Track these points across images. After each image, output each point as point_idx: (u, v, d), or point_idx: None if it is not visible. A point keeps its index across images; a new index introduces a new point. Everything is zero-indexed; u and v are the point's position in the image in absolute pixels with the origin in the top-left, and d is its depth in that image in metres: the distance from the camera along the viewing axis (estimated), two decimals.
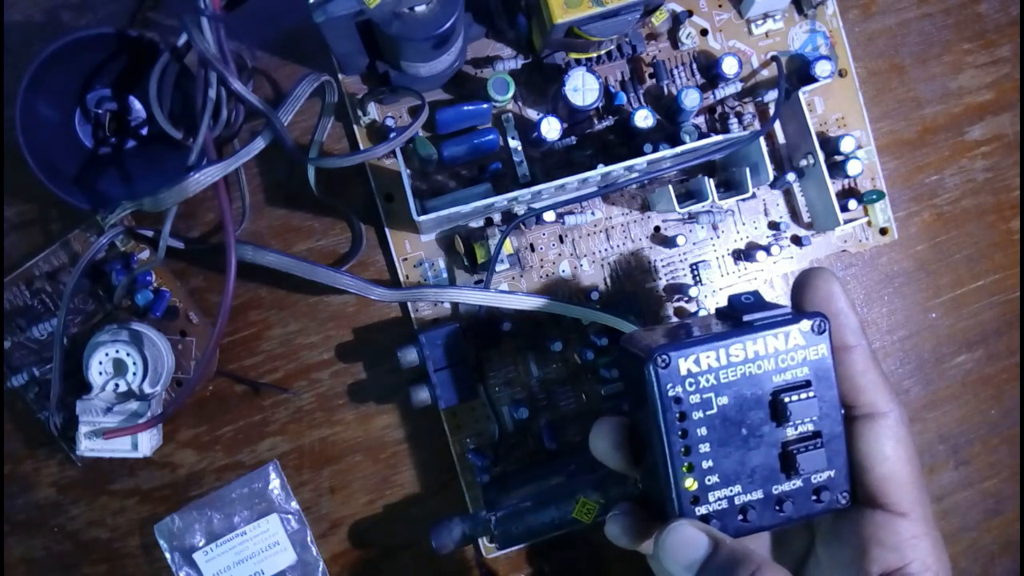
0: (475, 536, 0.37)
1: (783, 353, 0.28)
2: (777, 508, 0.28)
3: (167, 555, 0.39)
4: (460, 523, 0.37)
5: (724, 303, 0.30)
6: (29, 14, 0.39)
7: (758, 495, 0.28)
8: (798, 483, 0.28)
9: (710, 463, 0.27)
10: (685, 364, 0.27)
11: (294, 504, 0.40)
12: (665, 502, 0.28)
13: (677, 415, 0.27)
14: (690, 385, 0.27)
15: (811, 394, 0.27)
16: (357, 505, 0.41)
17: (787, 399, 0.27)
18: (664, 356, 0.27)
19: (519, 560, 0.41)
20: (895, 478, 0.28)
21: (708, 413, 0.27)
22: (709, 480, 0.27)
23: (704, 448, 0.27)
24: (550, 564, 0.41)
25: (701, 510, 0.27)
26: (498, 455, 0.40)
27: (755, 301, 0.29)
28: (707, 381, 0.27)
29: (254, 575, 0.39)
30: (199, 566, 0.39)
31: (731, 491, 0.28)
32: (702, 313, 0.40)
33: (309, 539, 0.40)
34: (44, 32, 0.39)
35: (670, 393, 0.27)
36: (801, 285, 0.30)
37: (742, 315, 0.28)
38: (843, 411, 0.28)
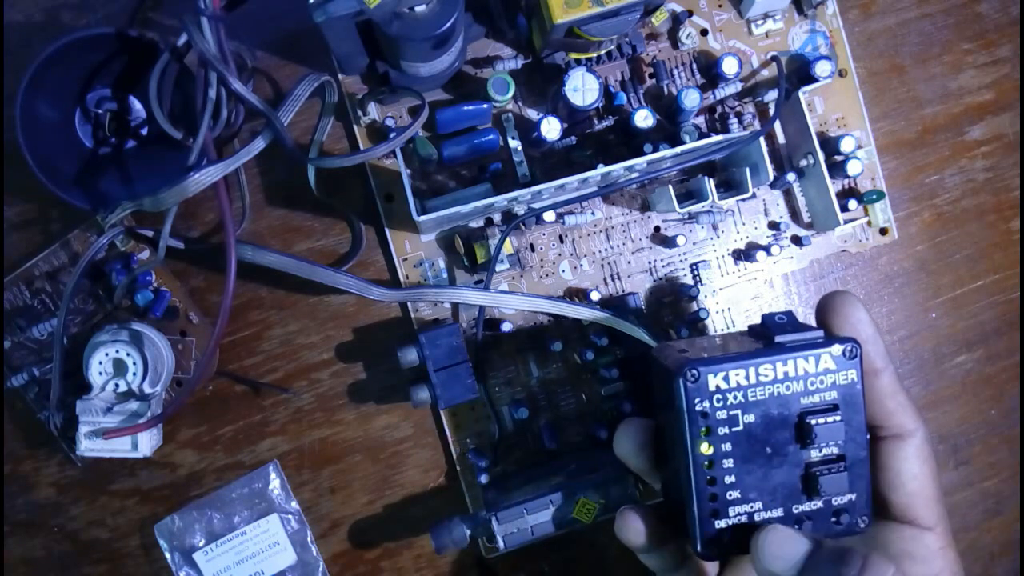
0: (475, 536, 0.37)
1: (812, 376, 0.28)
2: (796, 527, 0.28)
3: (167, 555, 0.39)
4: (460, 523, 0.37)
5: (758, 321, 0.30)
6: (29, 14, 0.39)
7: (778, 513, 0.28)
8: (819, 504, 0.28)
9: (732, 478, 0.28)
10: (714, 380, 0.27)
11: (294, 504, 0.40)
12: (686, 512, 0.28)
13: (703, 429, 0.27)
14: (718, 401, 0.27)
15: (838, 418, 0.28)
16: (357, 505, 0.41)
17: (813, 422, 0.27)
18: (694, 371, 0.27)
19: (519, 560, 0.41)
20: (922, 495, 0.29)
21: (734, 429, 0.28)
22: (731, 495, 0.28)
23: (728, 463, 0.28)
24: (550, 564, 0.41)
25: (720, 523, 0.28)
26: (498, 455, 0.40)
27: (788, 321, 0.29)
28: (735, 398, 0.27)
29: (254, 575, 0.39)
30: (199, 566, 0.39)
31: (751, 507, 0.28)
32: (703, 314, 0.40)
33: (309, 539, 0.40)
34: (44, 32, 0.39)
35: (698, 408, 0.27)
36: (826, 310, 0.30)
37: (774, 335, 0.28)
38: (868, 436, 0.28)
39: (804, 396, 0.28)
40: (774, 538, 0.27)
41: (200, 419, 0.40)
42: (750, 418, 0.28)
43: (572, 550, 0.41)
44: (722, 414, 0.27)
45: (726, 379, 0.27)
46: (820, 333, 0.29)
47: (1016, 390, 0.44)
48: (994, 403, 0.44)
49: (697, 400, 0.27)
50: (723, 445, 0.28)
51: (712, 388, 0.27)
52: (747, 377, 0.27)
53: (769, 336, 0.29)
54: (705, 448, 0.27)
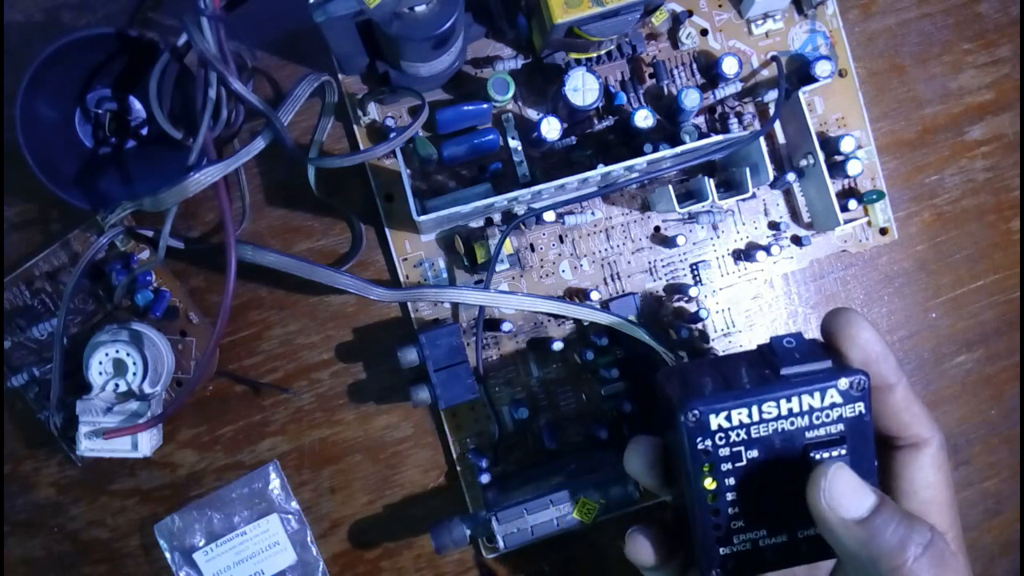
0: (475, 536, 0.37)
1: (818, 411, 0.27)
2: (802, 547, 0.28)
3: (167, 555, 0.39)
4: (460, 523, 0.37)
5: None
6: (29, 14, 0.39)
7: (782, 539, 0.28)
8: None
9: (736, 509, 0.28)
10: (716, 420, 0.27)
11: (294, 504, 0.40)
12: (691, 537, 0.28)
13: (705, 466, 0.28)
14: (720, 440, 0.27)
15: (843, 451, 0.27)
16: (357, 505, 0.41)
17: (817, 456, 0.27)
18: (695, 412, 0.27)
19: (519, 560, 0.41)
20: (936, 501, 0.29)
21: (737, 465, 0.28)
22: (734, 524, 0.28)
23: (731, 496, 0.28)
24: (550, 564, 0.41)
25: (725, 551, 0.28)
26: (498, 455, 0.40)
27: (796, 345, 0.29)
28: (738, 436, 0.27)
29: (254, 575, 0.39)
30: (199, 566, 0.39)
31: (756, 535, 0.28)
32: (703, 314, 0.40)
33: (309, 539, 0.40)
34: (44, 32, 0.39)
35: (700, 447, 0.27)
36: (832, 331, 0.30)
37: (780, 366, 0.28)
38: (876, 463, 0.28)
39: (809, 430, 0.28)
40: (842, 477, 0.26)
41: (200, 419, 0.40)
42: (753, 453, 0.28)
43: (572, 550, 0.41)
44: (724, 451, 0.27)
45: (728, 418, 0.27)
46: (828, 364, 0.28)
47: (1016, 390, 0.44)
48: (994, 403, 0.44)
49: (699, 439, 0.27)
50: (726, 480, 0.28)
51: (714, 427, 0.27)
52: (750, 415, 0.27)
53: (775, 366, 0.28)
54: (708, 483, 0.28)
